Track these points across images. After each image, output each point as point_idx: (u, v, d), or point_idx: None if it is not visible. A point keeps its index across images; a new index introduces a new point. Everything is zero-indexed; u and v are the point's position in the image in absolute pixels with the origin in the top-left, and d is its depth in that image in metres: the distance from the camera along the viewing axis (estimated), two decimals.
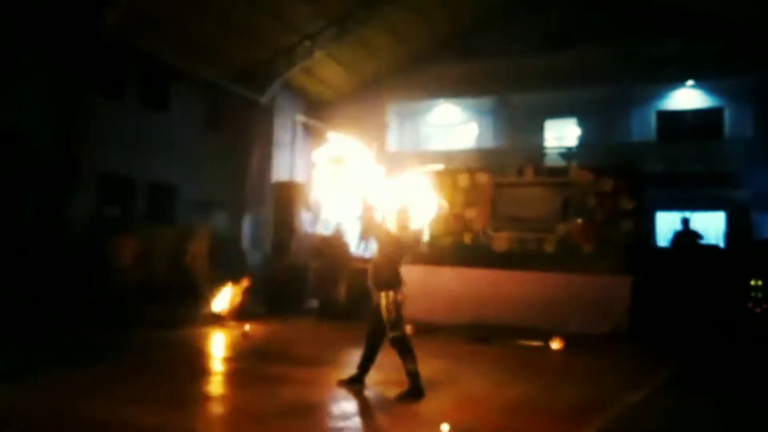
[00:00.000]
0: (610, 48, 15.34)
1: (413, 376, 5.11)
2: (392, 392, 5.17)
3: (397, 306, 5.18)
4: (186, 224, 12.77)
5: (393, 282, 5.24)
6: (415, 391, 5.07)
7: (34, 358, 6.35)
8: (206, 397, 5.23)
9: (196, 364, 6.54)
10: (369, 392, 5.35)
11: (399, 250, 5.37)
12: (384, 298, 5.19)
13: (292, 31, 14.96)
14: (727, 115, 15.59)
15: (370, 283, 5.38)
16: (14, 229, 10.49)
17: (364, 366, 5.42)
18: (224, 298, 9.53)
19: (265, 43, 14.95)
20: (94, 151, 11.75)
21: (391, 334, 5.18)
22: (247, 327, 8.65)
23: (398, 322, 5.18)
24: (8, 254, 9.93)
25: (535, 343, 8.00)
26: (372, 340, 5.40)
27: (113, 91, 12.82)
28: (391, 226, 5.38)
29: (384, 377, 5.48)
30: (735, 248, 13.65)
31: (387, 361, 5.46)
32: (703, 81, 15.49)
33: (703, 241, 11.63)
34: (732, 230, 14.64)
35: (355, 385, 5.37)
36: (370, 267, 5.47)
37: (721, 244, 13.98)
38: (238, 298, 9.61)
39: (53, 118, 11.25)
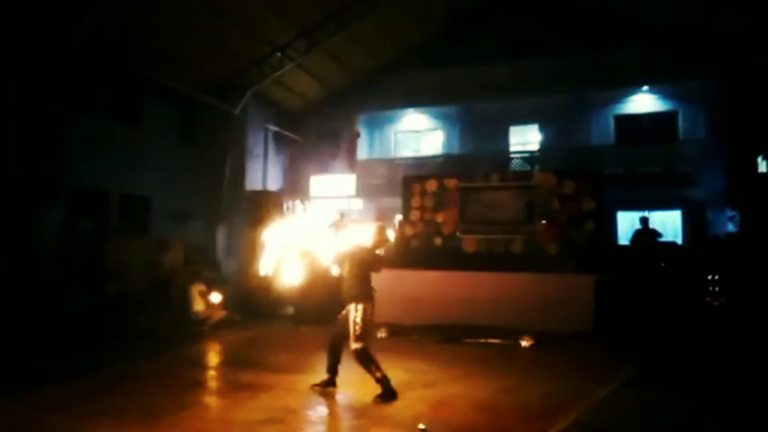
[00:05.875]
0: (570, 55, 15.94)
1: (382, 381, 5.28)
2: (364, 394, 5.29)
3: (365, 319, 5.34)
4: (161, 235, 12.81)
5: (364, 295, 5.42)
6: (388, 394, 5.21)
7: (6, 374, 6.16)
8: (185, 407, 5.07)
9: (173, 374, 6.40)
10: (342, 395, 5.45)
11: (373, 264, 5.59)
12: (354, 311, 5.36)
13: (262, 42, 15.21)
14: (680, 118, 16.28)
15: (341, 294, 5.54)
16: None
17: (333, 369, 5.59)
18: (200, 307, 9.64)
19: (236, 55, 15.15)
20: (66, 165, 11.71)
21: (353, 346, 5.28)
22: (224, 335, 8.81)
23: (363, 335, 5.32)
24: None
25: (506, 342, 8.20)
26: (334, 347, 5.57)
27: (84, 105, 12.74)
28: (367, 241, 5.61)
29: (357, 377, 5.55)
30: (692, 245, 14.30)
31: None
32: (657, 86, 16.17)
33: (662, 239, 12.12)
34: (689, 227, 15.27)
35: (327, 387, 5.54)
36: (342, 278, 5.57)
37: (679, 241, 14.62)
38: (214, 307, 9.73)
39: (22, 133, 11.09)
